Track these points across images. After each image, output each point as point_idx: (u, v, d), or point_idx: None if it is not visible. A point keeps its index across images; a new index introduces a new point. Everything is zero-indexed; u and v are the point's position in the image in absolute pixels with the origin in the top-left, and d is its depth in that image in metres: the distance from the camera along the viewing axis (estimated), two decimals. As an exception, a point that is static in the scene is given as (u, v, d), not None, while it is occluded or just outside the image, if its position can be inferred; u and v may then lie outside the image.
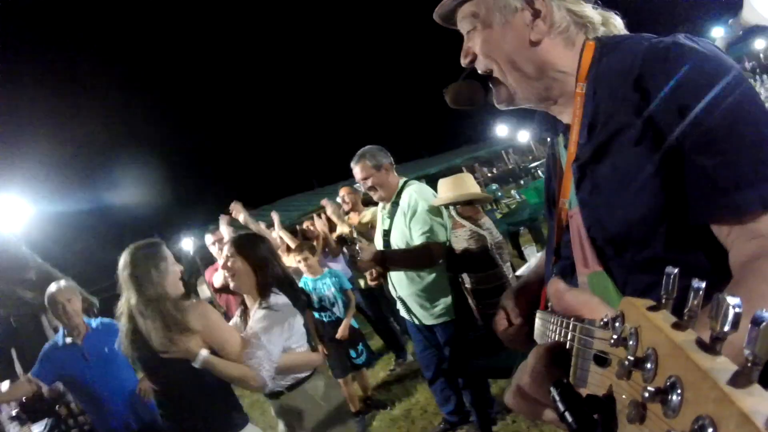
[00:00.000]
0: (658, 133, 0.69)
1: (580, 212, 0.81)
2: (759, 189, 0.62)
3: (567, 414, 0.36)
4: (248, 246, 1.99)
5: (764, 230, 0.62)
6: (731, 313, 0.27)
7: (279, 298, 1.91)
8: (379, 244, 2.68)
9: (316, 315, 3.63)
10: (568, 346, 0.44)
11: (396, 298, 2.66)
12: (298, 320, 1.96)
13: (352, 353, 3.66)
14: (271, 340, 1.78)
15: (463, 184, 2.50)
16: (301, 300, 2.03)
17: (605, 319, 0.36)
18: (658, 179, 0.69)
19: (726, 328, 0.27)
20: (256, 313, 1.87)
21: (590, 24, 0.84)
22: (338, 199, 4.53)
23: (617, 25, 0.87)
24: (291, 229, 6.46)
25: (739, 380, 0.24)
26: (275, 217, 4.49)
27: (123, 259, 1.91)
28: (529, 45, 0.82)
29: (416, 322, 2.60)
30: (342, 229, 4.45)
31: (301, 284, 3.65)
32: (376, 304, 4.48)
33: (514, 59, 0.83)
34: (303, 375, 1.96)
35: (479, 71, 0.88)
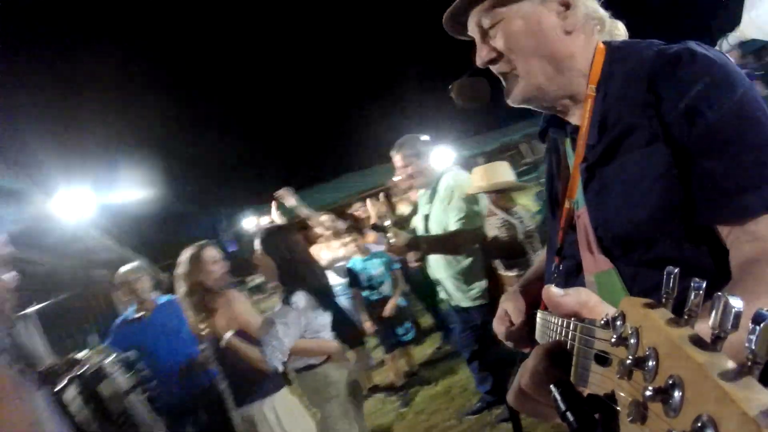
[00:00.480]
0: (667, 135, 0.68)
1: (588, 212, 0.79)
2: (762, 192, 0.62)
3: (568, 413, 0.35)
4: (273, 242, 2.15)
5: (763, 233, 0.62)
6: (732, 312, 0.26)
7: (299, 297, 2.04)
8: (419, 228, 2.69)
9: (364, 294, 3.69)
10: (568, 346, 0.44)
11: (435, 281, 2.68)
12: (320, 315, 2.11)
13: (399, 330, 3.72)
14: (285, 333, 1.97)
15: (497, 173, 2.47)
16: (326, 297, 2.19)
17: (606, 319, 0.35)
18: (666, 180, 0.68)
19: (726, 328, 0.26)
20: (277, 306, 2.07)
21: (602, 26, 0.82)
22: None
23: (622, 32, 0.86)
24: (346, 207, 6.48)
25: (739, 379, 0.23)
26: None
27: (178, 260, 2.31)
28: (563, 34, 0.79)
29: (453, 303, 2.62)
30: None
31: (350, 264, 3.74)
32: (430, 285, 4.50)
33: (546, 50, 0.78)
34: (316, 361, 2.12)
35: (498, 71, 0.83)
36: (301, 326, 2.04)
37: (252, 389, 2.24)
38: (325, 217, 4.25)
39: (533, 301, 0.93)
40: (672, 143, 0.68)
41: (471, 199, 2.44)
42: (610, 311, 0.36)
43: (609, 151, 0.74)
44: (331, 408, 2.14)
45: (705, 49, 0.69)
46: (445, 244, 2.42)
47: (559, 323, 0.48)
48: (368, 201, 4.80)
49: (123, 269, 3.06)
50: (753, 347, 0.24)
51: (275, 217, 3.68)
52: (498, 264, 2.43)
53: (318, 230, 4.05)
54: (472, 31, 0.85)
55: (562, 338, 0.46)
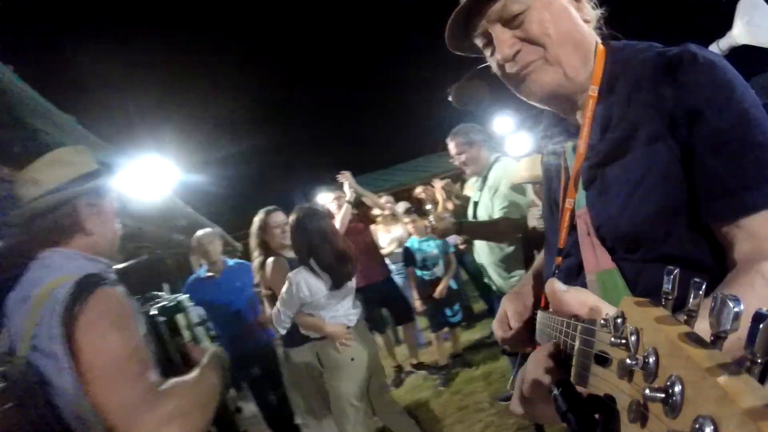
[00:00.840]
0: (669, 135, 0.67)
1: (589, 212, 0.77)
2: (762, 190, 0.61)
3: (569, 414, 0.35)
4: (301, 221, 2.32)
5: (762, 231, 0.61)
6: (731, 312, 0.26)
7: (298, 273, 2.25)
8: (469, 214, 2.71)
9: (418, 273, 3.72)
10: (568, 347, 0.43)
11: (479, 266, 2.70)
12: (328, 297, 2.27)
13: (448, 312, 3.73)
14: (283, 303, 2.28)
15: (539, 165, 2.36)
16: (344, 284, 2.31)
17: (606, 319, 0.34)
18: (668, 179, 0.67)
19: (726, 327, 0.26)
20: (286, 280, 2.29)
21: (598, 29, 0.79)
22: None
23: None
24: (412, 188, 6.49)
25: (739, 379, 0.23)
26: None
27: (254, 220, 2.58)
28: (583, 23, 0.77)
29: (495, 289, 2.63)
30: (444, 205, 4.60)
31: (407, 244, 3.79)
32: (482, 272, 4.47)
33: (574, 38, 0.75)
34: (315, 335, 2.34)
35: (523, 62, 0.76)
36: (294, 300, 2.25)
37: (296, 337, 2.52)
38: (383, 200, 4.32)
39: (534, 301, 0.91)
40: (674, 143, 0.66)
41: (517, 189, 2.41)
42: (611, 311, 0.35)
43: (611, 151, 0.73)
44: (338, 389, 2.31)
45: (705, 51, 0.68)
46: (488, 230, 2.42)
47: (559, 323, 0.47)
48: (430, 185, 4.86)
49: (198, 233, 3.30)
50: (753, 347, 0.24)
51: (347, 192, 3.82)
52: (536, 255, 2.37)
53: (376, 211, 4.13)
54: (488, 25, 0.78)
55: (562, 338, 0.45)
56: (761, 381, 0.23)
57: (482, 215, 2.53)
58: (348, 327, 2.35)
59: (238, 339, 3.09)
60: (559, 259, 0.84)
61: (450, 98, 0.91)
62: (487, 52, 0.82)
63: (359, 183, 3.74)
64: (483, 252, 2.59)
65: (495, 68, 0.82)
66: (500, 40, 0.76)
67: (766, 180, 0.61)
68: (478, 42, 0.81)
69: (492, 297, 4.45)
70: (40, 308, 0.98)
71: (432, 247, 3.73)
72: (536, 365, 0.45)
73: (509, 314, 0.89)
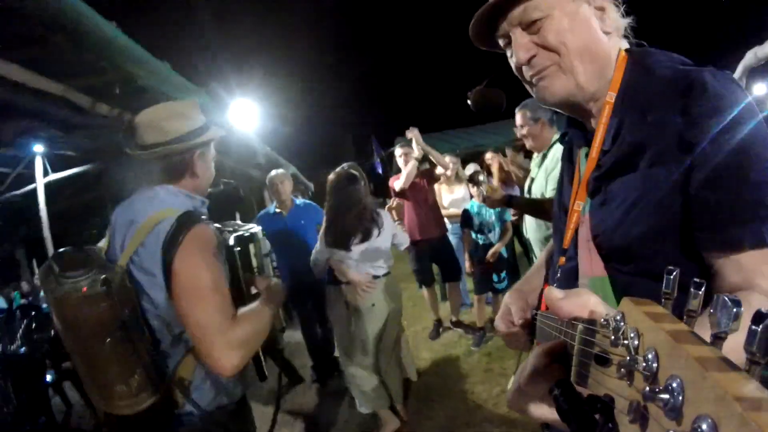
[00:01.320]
0: (671, 160, 0.66)
1: (590, 220, 0.76)
2: (753, 228, 0.61)
3: (569, 414, 0.34)
4: (331, 187, 2.55)
5: (749, 266, 0.62)
6: (732, 313, 0.25)
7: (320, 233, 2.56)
8: (525, 189, 2.68)
9: (474, 235, 3.73)
10: (569, 346, 0.42)
11: (526, 239, 2.71)
12: (352, 255, 2.51)
13: (495, 277, 3.72)
14: (317, 250, 2.64)
15: None
16: (351, 247, 2.49)
17: (606, 320, 0.33)
18: (664, 205, 0.67)
19: (726, 328, 0.25)
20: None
21: (620, 33, 0.75)
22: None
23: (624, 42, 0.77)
24: (480, 152, 6.33)
25: (739, 379, 0.22)
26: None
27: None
28: (603, 34, 0.75)
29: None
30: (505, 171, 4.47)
31: (467, 206, 3.77)
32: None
33: (591, 48, 0.74)
34: (343, 279, 2.56)
35: (538, 66, 0.75)
36: (322, 249, 2.57)
37: (332, 277, 2.70)
38: (448, 159, 4.25)
39: (536, 300, 0.90)
40: (674, 170, 0.66)
41: None
42: (611, 312, 0.34)
43: (616, 166, 0.73)
44: (361, 331, 2.56)
45: (717, 81, 0.65)
46: (535, 207, 2.40)
47: (559, 323, 0.46)
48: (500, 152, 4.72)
49: (272, 173, 3.45)
50: (753, 347, 0.23)
51: (414, 149, 3.83)
52: None
53: (438, 171, 4.09)
54: (509, 28, 0.77)
55: (562, 338, 0.44)
56: (763, 382, 0.23)
57: (535, 193, 2.49)
58: (374, 276, 2.53)
59: (296, 272, 3.28)
60: (563, 259, 0.84)
61: (468, 102, 0.90)
62: (508, 53, 0.82)
63: (436, 140, 3.72)
64: (531, 228, 2.58)
65: (514, 70, 0.82)
66: (518, 44, 0.76)
67: (759, 218, 0.61)
68: (501, 42, 0.81)
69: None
70: (147, 233, 1.14)
71: (491, 213, 3.68)
72: (536, 360, 0.45)
73: (512, 311, 0.88)
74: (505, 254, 3.76)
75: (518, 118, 2.54)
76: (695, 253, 0.66)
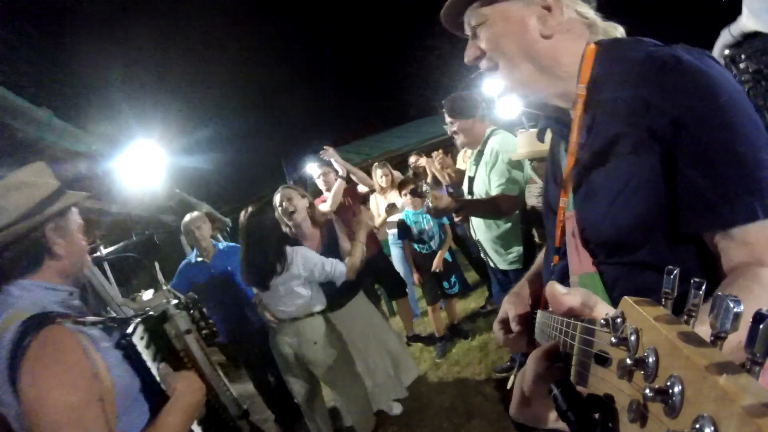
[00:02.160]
0: (652, 143, 0.67)
1: (576, 215, 0.79)
2: (745, 202, 0.61)
3: (569, 413, 0.35)
4: (247, 221, 2.47)
5: (752, 239, 0.62)
6: (731, 312, 0.26)
7: None
8: (465, 189, 2.66)
9: (415, 246, 3.73)
10: (568, 346, 0.43)
11: (476, 242, 2.67)
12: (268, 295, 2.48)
13: (445, 284, 3.75)
14: None
15: (536, 141, 2.32)
16: (268, 285, 2.43)
17: (606, 319, 0.34)
18: (650, 188, 0.67)
19: (726, 328, 0.26)
20: None
21: (593, 27, 0.80)
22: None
23: (619, 31, 0.82)
24: (406, 156, 6.44)
25: (739, 379, 0.23)
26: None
27: None
28: (539, 38, 0.79)
29: (492, 265, 2.61)
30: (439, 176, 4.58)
31: (403, 216, 3.78)
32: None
33: (524, 51, 0.79)
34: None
35: (482, 68, 0.84)
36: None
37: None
38: (380, 172, 4.25)
39: (534, 301, 0.92)
40: (656, 152, 0.67)
41: (515, 165, 2.36)
42: (610, 311, 0.35)
43: (595, 157, 0.74)
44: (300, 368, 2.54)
45: (692, 56, 0.67)
46: (485, 207, 2.38)
47: (559, 323, 0.47)
48: (423, 155, 4.79)
49: (186, 219, 3.27)
50: (752, 347, 0.24)
51: (337, 168, 3.78)
52: (535, 232, 2.38)
53: (360, 188, 4.07)
54: (467, 30, 0.86)
55: (562, 338, 0.45)
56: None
57: (479, 191, 2.48)
58: (280, 319, 2.48)
59: (233, 323, 3.12)
60: (557, 258, 0.86)
61: (444, 110, 0.95)
62: None
63: (346, 152, 3.72)
64: (480, 229, 2.56)
65: None
66: (468, 45, 0.85)
67: (749, 192, 0.61)
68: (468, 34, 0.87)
69: (487, 269, 4.50)
70: None
71: (428, 219, 3.72)
72: (536, 364, 0.45)
73: (510, 316, 0.90)
74: (449, 258, 3.82)
75: (446, 114, 2.49)
76: (685, 237, 0.67)
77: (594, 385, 0.36)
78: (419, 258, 3.75)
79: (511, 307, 0.91)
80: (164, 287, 3.14)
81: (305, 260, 2.41)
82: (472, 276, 5.05)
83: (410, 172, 5.12)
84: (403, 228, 3.76)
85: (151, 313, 1.25)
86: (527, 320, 0.87)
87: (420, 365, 3.71)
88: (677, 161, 0.65)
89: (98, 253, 3.85)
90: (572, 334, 0.42)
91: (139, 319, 1.20)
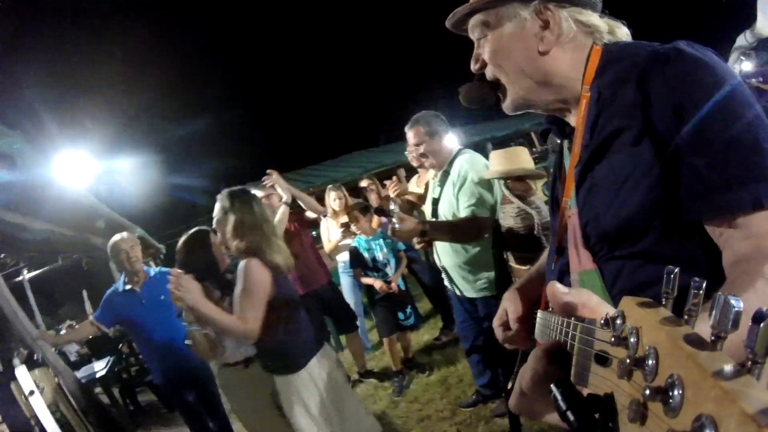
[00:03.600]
0: (654, 133, 0.71)
1: (578, 212, 0.83)
2: (749, 189, 0.63)
3: (568, 413, 0.36)
4: (186, 247, 2.29)
5: (756, 230, 0.63)
6: (732, 311, 0.27)
7: None
8: (428, 212, 2.65)
9: (368, 274, 3.67)
10: (568, 346, 0.45)
11: (441, 268, 2.65)
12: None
13: (401, 315, 3.70)
14: None
15: (516, 159, 2.40)
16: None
17: (606, 319, 0.36)
18: (652, 177, 0.71)
19: (726, 327, 0.27)
20: None
21: (597, 32, 0.85)
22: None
23: (623, 33, 0.88)
24: (353, 185, 6.49)
25: (740, 379, 0.24)
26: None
27: None
28: (537, 55, 0.85)
29: (458, 293, 2.60)
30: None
31: (354, 243, 3.73)
32: (436, 272, 4.47)
33: (523, 68, 0.86)
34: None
35: (488, 78, 0.91)
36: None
37: None
38: (333, 195, 4.20)
39: (534, 300, 0.95)
40: (659, 141, 0.70)
41: (484, 185, 2.38)
42: (611, 311, 0.37)
43: (598, 151, 0.78)
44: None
45: (694, 49, 0.72)
46: (454, 231, 2.36)
47: (559, 323, 0.49)
48: (389, 181, 4.77)
49: (115, 238, 3.00)
50: (753, 346, 0.25)
51: (282, 194, 3.68)
52: (510, 256, 2.40)
53: (308, 214, 3.98)
54: (471, 37, 0.93)
55: (562, 338, 0.47)
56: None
57: (445, 213, 2.47)
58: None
59: (167, 360, 2.93)
60: (557, 257, 0.90)
61: (460, 98, 1.00)
62: None
63: (291, 179, 3.64)
64: (446, 254, 2.53)
65: None
66: (474, 53, 0.92)
67: (752, 179, 0.64)
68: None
69: (443, 297, 4.49)
70: None
71: (381, 246, 3.69)
72: (536, 364, 0.46)
73: (509, 312, 0.94)
74: (403, 286, 3.80)
75: (411, 137, 2.49)
76: (688, 227, 0.70)
77: (594, 385, 0.38)
78: (372, 287, 3.69)
79: (509, 304, 0.94)
80: (90, 319, 2.89)
81: None
82: (422, 306, 5.04)
83: (364, 197, 5.13)
84: (355, 255, 3.71)
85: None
86: (526, 317, 0.91)
87: (376, 404, 3.62)
88: (679, 149, 0.68)
89: (20, 277, 3.50)
90: (572, 333, 0.44)
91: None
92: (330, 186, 4.43)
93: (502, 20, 0.86)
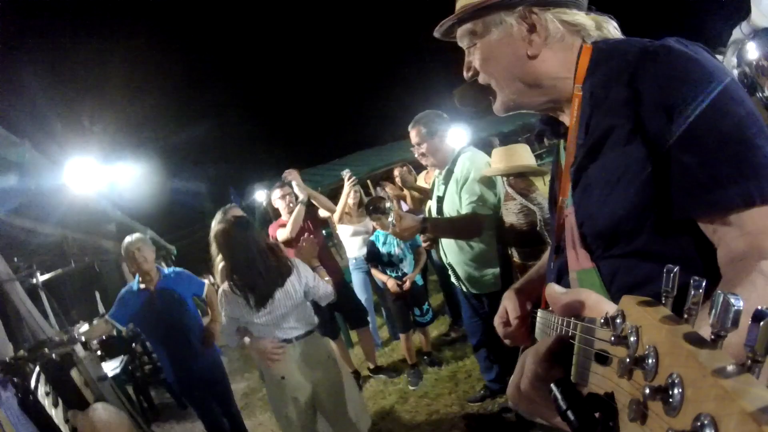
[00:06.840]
0: (645, 132, 0.70)
1: (574, 211, 0.83)
2: (740, 186, 0.63)
3: (569, 413, 0.36)
4: (227, 233, 2.23)
5: (750, 227, 0.63)
6: (732, 310, 0.27)
7: (230, 296, 2.23)
8: (433, 210, 2.65)
9: (384, 270, 3.64)
10: (567, 345, 0.44)
11: (446, 265, 2.65)
12: (262, 315, 2.22)
13: (416, 311, 3.67)
14: (225, 319, 2.30)
15: (517, 155, 2.40)
16: (267, 302, 2.22)
17: (606, 318, 0.36)
18: (645, 175, 0.70)
19: (726, 326, 0.27)
20: None
21: (584, 30, 0.85)
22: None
23: (611, 27, 0.87)
24: (361, 183, 6.48)
25: (740, 377, 0.24)
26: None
27: None
28: (526, 59, 0.85)
29: (464, 289, 2.60)
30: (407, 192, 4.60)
31: (372, 238, 3.70)
32: (441, 265, 4.42)
33: (513, 73, 0.86)
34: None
35: (481, 83, 0.92)
36: (227, 316, 2.28)
37: None
38: (348, 187, 4.20)
39: (535, 298, 0.96)
40: (650, 139, 0.70)
41: (487, 182, 2.39)
42: (610, 308, 0.37)
43: (592, 151, 0.78)
44: (274, 408, 2.39)
45: (683, 45, 0.71)
46: (456, 228, 2.37)
47: (559, 322, 0.49)
48: (396, 170, 4.79)
49: (126, 240, 3.04)
50: (753, 345, 0.25)
51: (298, 192, 3.70)
52: (514, 252, 2.40)
53: (320, 212, 4.01)
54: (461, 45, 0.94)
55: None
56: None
57: (448, 211, 2.48)
58: (284, 340, 2.26)
59: (181, 359, 2.95)
60: (555, 256, 0.90)
61: (455, 101, 1.02)
62: None
63: (304, 177, 3.65)
64: (451, 250, 2.54)
65: None
66: (465, 61, 0.93)
67: (743, 176, 0.63)
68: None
69: (452, 293, 4.47)
70: None
71: (398, 242, 3.61)
72: (536, 364, 0.46)
73: (509, 311, 0.94)
74: (420, 282, 3.75)
75: (413, 136, 2.53)
76: (682, 225, 0.69)
77: (594, 384, 0.37)
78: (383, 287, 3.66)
79: (509, 302, 0.95)
80: (105, 317, 2.91)
81: (303, 273, 2.29)
82: (435, 301, 5.03)
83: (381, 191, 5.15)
84: (371, 251, 3.67)
85: (53, 356, 1.11)
86: (526, 317, 0.91)
87: (385, 399, 3.64)
88: (670, 146, 0.67)
89: (33, 280, 3.54)
90: (572, 333, 0.44)
91: (38, 369, 1.07)
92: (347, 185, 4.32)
93: (488, 28, 0.87)
